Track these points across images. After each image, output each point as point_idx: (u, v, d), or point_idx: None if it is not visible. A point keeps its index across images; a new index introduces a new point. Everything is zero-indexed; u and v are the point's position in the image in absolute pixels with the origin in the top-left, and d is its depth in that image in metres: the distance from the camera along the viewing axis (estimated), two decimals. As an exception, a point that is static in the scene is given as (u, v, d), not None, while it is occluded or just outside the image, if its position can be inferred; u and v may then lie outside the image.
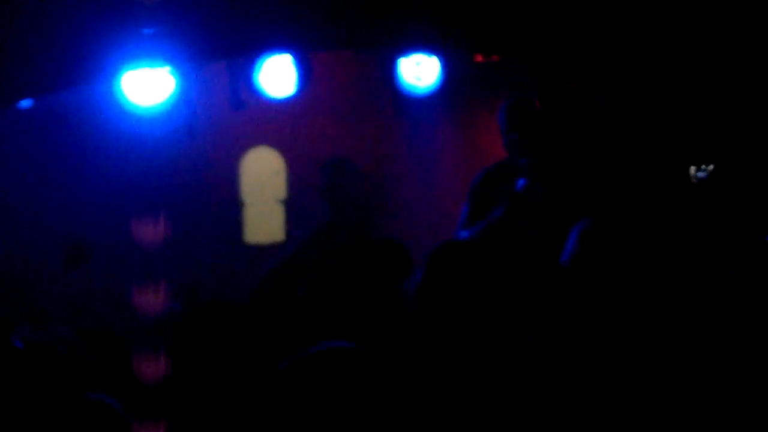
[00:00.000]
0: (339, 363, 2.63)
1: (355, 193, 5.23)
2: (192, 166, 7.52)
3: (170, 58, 6.55)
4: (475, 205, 6.40)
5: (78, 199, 7.31)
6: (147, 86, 6.73)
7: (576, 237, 3.95)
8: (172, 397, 3.30)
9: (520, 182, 6.17)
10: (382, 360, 2.63)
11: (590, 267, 3.81)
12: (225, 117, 7.52)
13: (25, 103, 6.91)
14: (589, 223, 3.98)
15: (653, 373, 3.36)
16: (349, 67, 7.79)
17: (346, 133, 7.93)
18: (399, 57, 7.54)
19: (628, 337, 3.47)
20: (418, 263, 3.38)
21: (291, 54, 7.18)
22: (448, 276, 3.07)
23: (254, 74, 7.15)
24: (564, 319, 3.51)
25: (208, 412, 3.25)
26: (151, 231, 6.53)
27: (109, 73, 6.48)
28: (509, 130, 6.29)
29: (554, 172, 6.31)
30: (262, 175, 7.91)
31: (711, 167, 7.56)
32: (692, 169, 7.61)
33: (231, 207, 7.86)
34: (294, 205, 7.89)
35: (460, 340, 3.02)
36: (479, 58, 7.84)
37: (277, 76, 7.22)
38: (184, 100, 6.93)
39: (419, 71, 7.60)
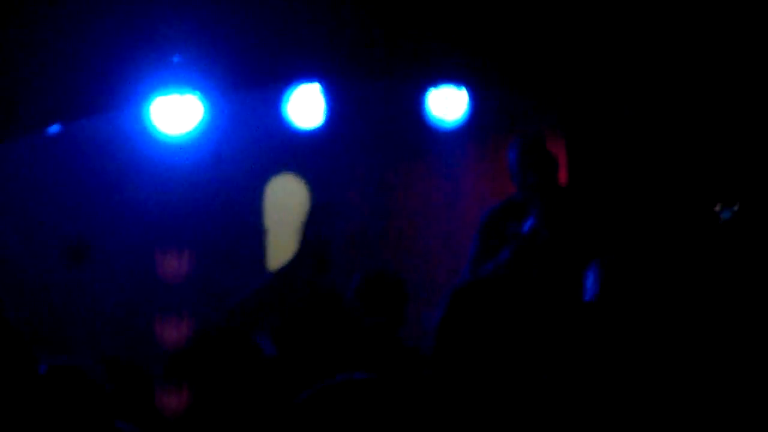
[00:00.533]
0: (359, 394, 2.63)
1: (318, 230, 5.21)
2: (218, 193, 7.54)
3: (199, 86, 6.58)
4: (482, 244, 6.42)
5: (103, 225, 7.33)
6: (175, 113, 6.75)
7: (599, 274, 3.95)
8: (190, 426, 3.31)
9: (528, 223, 6.18)
10: (401, 391, 2.63)
11: (617, 303, 3.82)
12: (253, 145, 7.54)
13: (54, 129, 6.94)
14: (613, 260, 3.99)
15: (677, 406, 3.37)
16: (377, 98, 7.81)
17: (373, 165, 7.95)
18: (428, 89, 7.55)
19: (656, 373, 3.47)
20: (436, 299, 3.37)
21: (320, 84, 7.21)
22: (470, 313, 3.07)
23: (283, 104, 7.20)
24: (591, 357, 3.52)
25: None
26: (175, 264, 6.56)
27: (138, 100, 6.51)
28: (525, 169, 6.31)
29: (563, 213, 6.32)
30: (287, 204, 7.93)
31: (737, 207, 7.55)
32: (719, 207, 7.59)
33: (255, 235, 7.89)
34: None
35: (481, 379, 3.01)
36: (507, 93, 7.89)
37: (306, 106, 7.25)
38: (212, 128, 6.96)
39: (448, 104, 7.62)
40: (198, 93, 6.68)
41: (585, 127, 8.09)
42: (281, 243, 7.87)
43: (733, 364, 3.69)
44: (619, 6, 7.12)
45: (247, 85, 6.90)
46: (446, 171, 8.16)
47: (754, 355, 3.77)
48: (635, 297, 3.80)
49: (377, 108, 7.83)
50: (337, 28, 6.69)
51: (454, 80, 7.44)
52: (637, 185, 7.94)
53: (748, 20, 7.10)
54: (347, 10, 6.71)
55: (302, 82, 7.16)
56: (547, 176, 6.39)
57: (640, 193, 7.92)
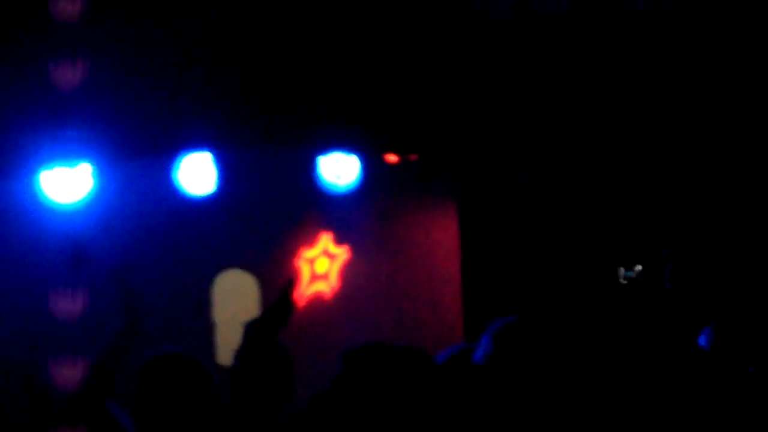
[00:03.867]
0: None
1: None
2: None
3: (90, 157, 6.68)
4: None
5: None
6: (67, 182, 6.85)
7: (491, 336, 3.96)
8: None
9: None
10: None
11: (506, 367, 3.81)
12: (144, 217, 7.56)
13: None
14: (505, 322, 3.99)
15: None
16: (269, 165, 7.90)
17: (264, 231, 8.01)
18: (318, 155, 7.68)
19: None
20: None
21: (211, 152, 7.30)
22: (361, 376, 3.11)
23: (174, 172, 7.27)
24: (481, 422, 3.56)
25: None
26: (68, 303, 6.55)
27: (29, 170, 6.61)
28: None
29: None
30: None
31: (639, 267, 7.65)
32: (621, 270, 7.68)
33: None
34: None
35: None
36: (396, 158, 8.02)
37: (197, 174, 7.32)
38: (103, 197, 7.03)
39: (339, 169, 7.73)
40: (89, 163, 6.78)
41: (477, 192, 8.26)
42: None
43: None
44: (508, 73, 7.31)
45: (138, 155, 7.00)
46: (340, 236, 8.25)
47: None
48: (528, 361, 3.79)
49: (270, 175, 7.91)
50: (226, 96, 6.82)
51: (344, 147, 7.59)
52: (533, 251, 8.11)
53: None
54: (236, 79, 6.85)
55: (193, 151, 7.26)
56: None
57: (536, 259, 8.08)
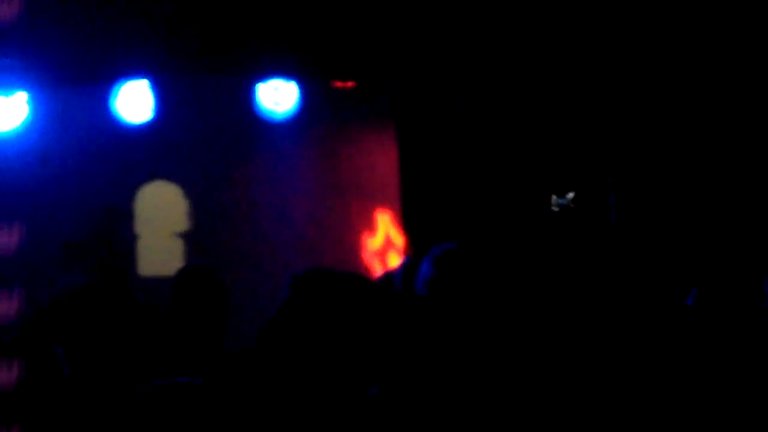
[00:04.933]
0: (186, 398, 2.68)
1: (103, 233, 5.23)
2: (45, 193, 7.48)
3: (24, 85, 6.63)
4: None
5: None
6: (1, 111, 6.80)
7: (432, 261, 3.99)
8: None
9: None
10: (229, 397, 2.71)
11: (447, 292, 3.85)
12: (81, 144, 7.52)
13: None
14: (446, 248, 4.03)
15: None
16: (207, 93, 7.86)
17: (204, 158, 7.99)
18: (257, 82, 7.66)
19: (485, 364, 3.55)
20: (280, 290, 3.44)
21: (148, 79, 7.27)
22: (309, 303, 3.13)
23: (111, 100, 7.23)
24: (423, 349, 3.59)
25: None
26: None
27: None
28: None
29: None
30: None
31: (571, 194, 7.71)
32: (553, 198, 7.74)
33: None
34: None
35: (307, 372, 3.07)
36: (336, 84, 8.02)
37: (134, 101, 7.29)
38: (38, 126, 6.99)
39: (277, 96, 7.73)
40: (23, 91, 6.73)
41: (416, 114, 8.28)
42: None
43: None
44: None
45: (75, 83, 6.95)
46: (278, 162, 8.24)
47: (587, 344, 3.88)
48: (467, 285, 3.82)
49: (207, 102, 7.88)
50: (163, 23, 6.78)
51: (282, 73, 7.58)
52: (469, 174, 8.14)
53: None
54: (173, 6, 6.81)
55: (130, 78, 7.21)
56: None
57: (472, 181, 8.12)
